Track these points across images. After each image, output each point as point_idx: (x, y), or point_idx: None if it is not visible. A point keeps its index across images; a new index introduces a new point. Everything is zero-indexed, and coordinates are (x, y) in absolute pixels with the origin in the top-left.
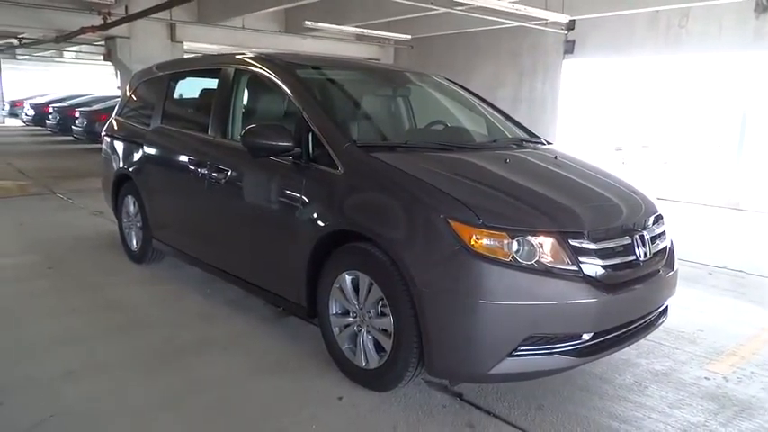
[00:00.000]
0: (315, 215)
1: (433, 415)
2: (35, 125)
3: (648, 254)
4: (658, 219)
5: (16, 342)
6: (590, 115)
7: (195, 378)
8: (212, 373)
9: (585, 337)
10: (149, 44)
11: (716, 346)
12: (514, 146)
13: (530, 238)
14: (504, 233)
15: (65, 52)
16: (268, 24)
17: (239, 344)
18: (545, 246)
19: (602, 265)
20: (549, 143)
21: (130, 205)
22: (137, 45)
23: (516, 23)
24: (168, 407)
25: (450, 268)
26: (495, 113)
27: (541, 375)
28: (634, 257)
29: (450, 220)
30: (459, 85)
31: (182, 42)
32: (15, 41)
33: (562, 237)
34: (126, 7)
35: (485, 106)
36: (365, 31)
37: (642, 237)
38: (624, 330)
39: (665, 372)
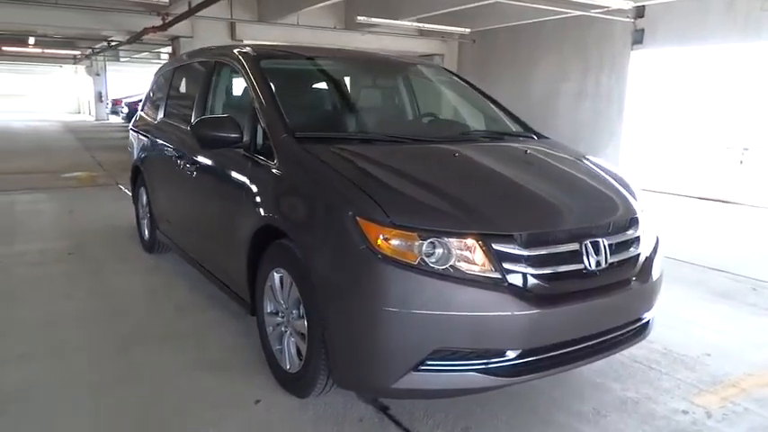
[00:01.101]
0: (252, 209)
1: (343, 429)
2: (128, 121)
3: (604, 263)
4: (632, 223)
5: None
6: (662, 109)
7: (137, 368)
8: (156, 364)
9: (511, 354)
10: (211, 43)
11: (717, 374)
12: (487, 139)
13: (445, 239)
14: (413, 233)
15: (161, 54)
16: (325, 21)
17: (197, 338)
18: (462, 249)
19: (534, 274)
20: (542, 137)
21: (143, 196)
22: (199, 45)
23: (580, 12)
24: (93, 395)
25: (352, 270)
26: (491, 105)
27: (458, 394)
28: (582, 266)
29: (358, 218)
30: (456, 76)
31: (242, 41)
32: (105, 44)
33: (484, 240)
34: (189, 4)
35: (479, 98)
36: (422, 25)
37: (596, 243)
38: (573, 348)
39: (636, 400)
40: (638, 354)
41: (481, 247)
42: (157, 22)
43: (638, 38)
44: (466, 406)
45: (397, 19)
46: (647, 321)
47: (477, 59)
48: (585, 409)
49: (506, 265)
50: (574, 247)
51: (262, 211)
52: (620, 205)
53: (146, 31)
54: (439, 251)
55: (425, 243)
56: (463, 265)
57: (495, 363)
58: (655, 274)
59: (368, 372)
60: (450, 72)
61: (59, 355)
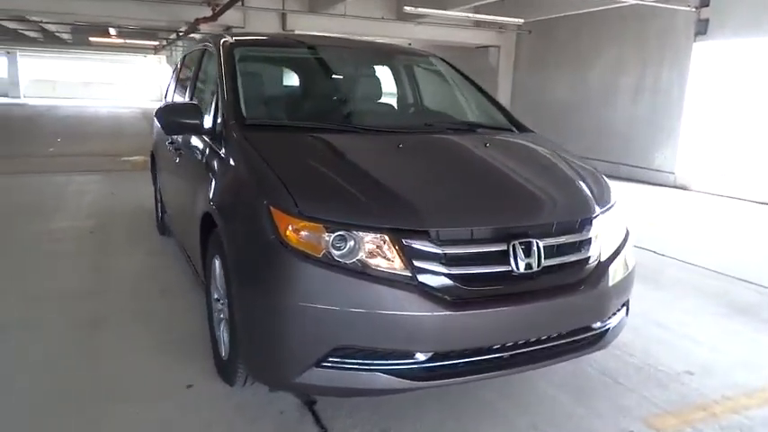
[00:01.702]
0: (202, 196)
1: (259, 421)
2: None
3: (536, 266)
4: (584, 224)
5: None
6: (726, 107)
7: (95, 345)
8: (114, 342)
9: (420, 357)
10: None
11: (691, 394)
12: (451, 130)
13: (354, 233)
14: (320, 225)
15: None
16: (374, 11)
17: (166, 320)
18: (370, 244)
19: (449, 274)
20: (526, 130)
21: (156, 181)
22: None
23: (640, 2)
24: (36, 371)
25: (259, 259)
26: (480, 96)
27: (365, 394)
28: (509, 268)
29: (271, 207)
30: (450, 66)
31: (293, 31)
32: (175, 35)
33: (394, 235)
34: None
35: (468, 89)
36: (473, 15)
37: (528, 244)
38: (499, 355)
39: (582, 416)
40: (609, 366)
41: (392, 243)
42: (208, 12)
43: (701, 28)
44: (393, 407)
45: (447, 9)
46: (605, 331)
47: (534, 51)
48: (522, 422)
49: (418, 263)
50: (500, 247)
51: (205, 198)
52: (570, 205)
53: (197, 21)
54: (346, 245)
55: (333, 236)
56: (371, 261)
57: (403, 365)
58: (611, 280)
59: (271, 364)
60: (445, 61)
61: (27, 327)
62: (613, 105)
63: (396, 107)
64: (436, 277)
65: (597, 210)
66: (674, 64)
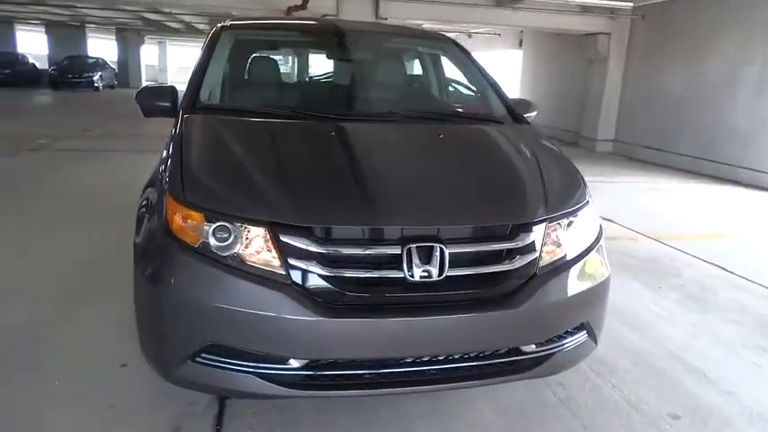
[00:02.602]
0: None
1: (164, 409)
2: None
3: (436, 274)
4: (515, 232)
5: None
6: None
7: (62, 315)
8: (80, 314)
9: (294, 363)
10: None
11: None
12: (414, 119)
13: (234, 224)
14: (200, 214)
15: None
16: None
17: None
18: (248, 237)
19: (327, 276)
20: (522, 122)
21: None
22: None
23: None
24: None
25: (149, 246)
26: (484, 84)
27: (242, 396)
28: (402, 275)
29: (167, 193)
30: (458, 49)
31: (386, 19)
32: None
33: (272, 229)
34: None
35: (472, 75)
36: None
37: (429, 250)
38: (393, 371)
39: None
40: (578, 395)
41: (271, 238)
42: (298, 0)
43: None
44: (301, 411)
45: None
46: (545, 356)
47: (646, 39)
48: None
49: (294, 262)
50: (393, 250)
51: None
52: (500, 209)
53: (289, 10)
54: (224, 236)
55: (213, 226)
56: (248, 256)
57: (276, 370)
58: (552, 296)
59: (154, 353)
60: (456, 45)
61: (21, 292)
62: (733, 100)
63: (369, 93)
64: (313, 279)
65: (540, 215)
66: None
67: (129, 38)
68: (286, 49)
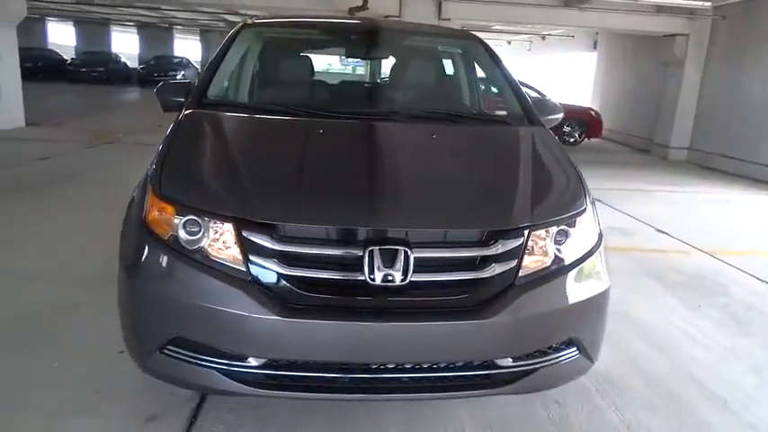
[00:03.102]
0: None
1: (143, 398)
2: None
3: (398, 278)
4: (491, 238)
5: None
6: None
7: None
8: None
9: (253, 362)
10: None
11: None
12: (414, 118)
13: (203, 219)
14: (171, 207)
15: None
16: None
17: None
18: (214, 232)
19: (284, 275)
20: (538, 125)
21: None
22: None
23: None
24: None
25: (128, 235)
26: (504, 84)
27: (208, 391)
28: (362, 277)
29: (149, 186)
30: (483, 48)
31: (449, 20)
32: None
33: (236, 225)
34: None
35: (494, 74)
36: None
37: (394, 252)
38: (358, 376)
39: None
40: (572, 416)
41: (234, 234)
42: (360, 1)
43: None
44: (277, 410)
45: None
46: (525, 371)
47: (729, 40)
48: None
49: (255, 259)
50: (355, 252)
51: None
52: (476, 214)
53: (351, 10)
54: (192, 230)
55: (183, 220)
56: (213, 251)
57: (236, 367)
58: (532, 308)
59: (128, 341)
60: (482, 43)
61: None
62: None
63: (370, 91)
64: (272, 277)
65: (521, 222)
66: None
67: (211, 38)
68: (299, 48)
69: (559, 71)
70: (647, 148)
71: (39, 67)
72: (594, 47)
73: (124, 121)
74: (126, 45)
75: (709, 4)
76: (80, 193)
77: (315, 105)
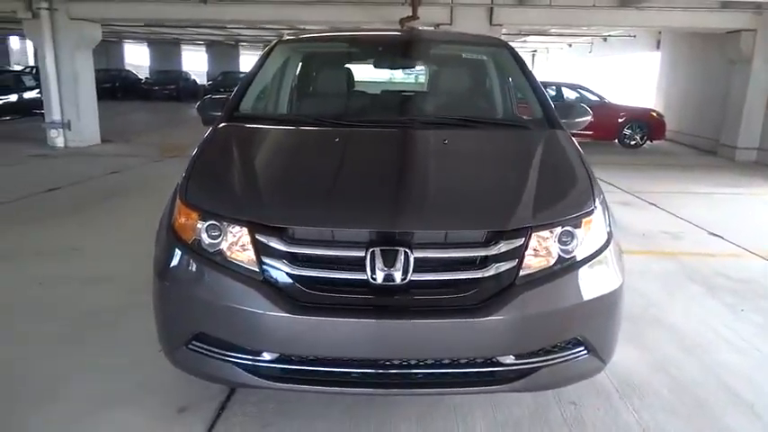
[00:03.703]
0: None
1: (181, 390)
2: None
3: (399, 278)
4: (491, 239)
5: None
6: None
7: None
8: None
9: (267, 356)
10: (469, 29)
11: None
12: (432, 125)
13: (222, 224)
14: (195, 213)
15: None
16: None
17: None
18: (233, 236)
19: (292, 275)
20: (558, 128)
21: None
22: (457, 30)
23: None
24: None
25: (160, 241)
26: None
27: (228, 384)
28: (364, 277)
29: (178, 194)
30: (509, 53)
31: (500, 26)
32: None
33: (251, 229)
34: None
35: (519, 79)
36: None
37: (393, 253)
38: (366, 371)
39: None
40: (587, 419)
41: (250, 237)
42: (410, 12)
43: None
44: (299, 405)
45: None
46: (530, 369)
47: None
48: None
49: (267, 260)
50: (357, 253)
51: None
52: (477, 215)
53: (402, 21)
54: (213, 234)
55: (206, 224)
56: (230, 254)
57: (253, 361)
58: (534, 308)
59: (159, 336)
60: (507, 48)
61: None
62: None
63: (394, 100)
64: (282, 277)
65: (522, 222)
66: None
67: None
68: (328, 61)
69: (622, 72)
70: (713, 150)
71: (116, 86)
72: (658, 46)
73: (188, 136)
74: (196, 63)
75: None
76: (146, 203)
77: (335, 115)
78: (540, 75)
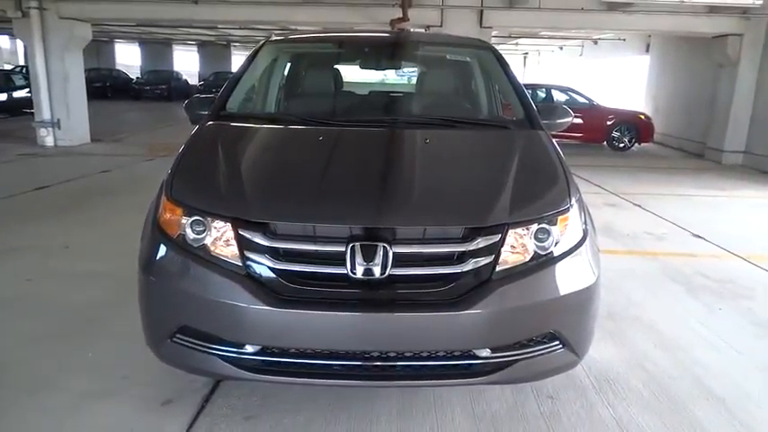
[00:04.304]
0: None
1: (167, 383)
2: None
3: (378, 272)
4: (470, 235)
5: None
6: None
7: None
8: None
9: (249, 349)
10: (459, 31)
11: None
12: (413, 124)
13: (206, 219)
14: (179, 208)
15: None
16: (575, 1)
17: None
18: (216, 231)
19: (274, 269)
20: (536, 128)
21: None
22: (448, 33)
23: None
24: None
25: (145, 236)
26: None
27: (212, 376)
28: (344, 271)
29: (163, 190)
30: (493, 55)
31: (490, 28)
32: None
33: (234, 224)
34: None
35: (501, 81)
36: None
37: (375, 248)
38: (346, 363)
39: None
40: (563, 413)
41: (233, 233)
42: (400, 13)
43: None
44: (283, 398)
45: None
46: (506, 363)
47: None
48: None
49: (250, 255)
50: (338, 248)
51: None
52: (454, 211)
53: (392, 22)
54: (197, 230)
55: (190, 220)
56: (214, 249)
57: (236, 354)
58: (509, 302)
59: (144, 329)
60: (491, 51)
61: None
62: None
63: (375, 100)
64: (264, 271)
65: (498, 219)
66: None
67: None
68: (314, 61)
69: (612, 75)
70: (700, 153)
71: (107, 86)
72: (647, 50)
73: (178, 136)
74: (188, 63)
75: (760, 2)
76: (135, 201)
77: (320, 115)
78: (531, 77)
